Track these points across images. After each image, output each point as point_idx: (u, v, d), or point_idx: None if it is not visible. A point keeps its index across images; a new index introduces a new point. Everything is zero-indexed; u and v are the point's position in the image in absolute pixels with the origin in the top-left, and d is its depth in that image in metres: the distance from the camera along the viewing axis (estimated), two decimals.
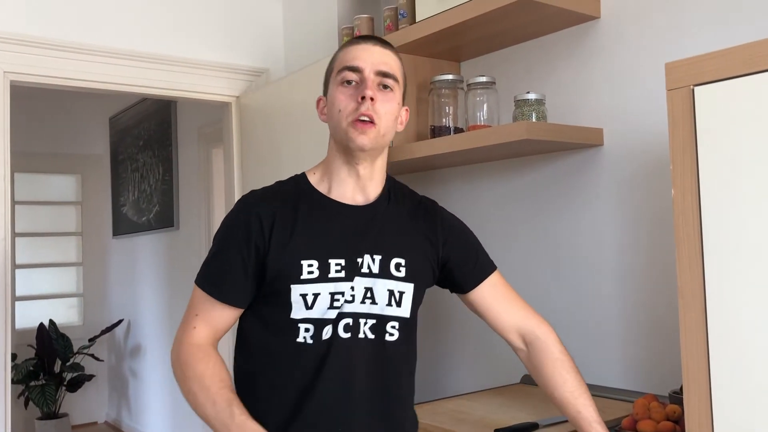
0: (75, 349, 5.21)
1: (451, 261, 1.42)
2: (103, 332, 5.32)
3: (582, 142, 1.89)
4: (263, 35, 2.92)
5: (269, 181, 1.43)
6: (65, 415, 5.13)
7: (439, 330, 2.40)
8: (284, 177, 1.41)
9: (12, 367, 4.54)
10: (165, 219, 4.70)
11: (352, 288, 1.27)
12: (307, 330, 1.25)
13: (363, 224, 1.32)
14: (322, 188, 1.35)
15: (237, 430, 1.15)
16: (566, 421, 1.58)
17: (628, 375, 1.85)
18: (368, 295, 1.28)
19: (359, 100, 1.27)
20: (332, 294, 1.25)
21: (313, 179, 1.37)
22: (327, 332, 1.25)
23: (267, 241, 1.26)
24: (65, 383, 5.13)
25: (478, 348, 2.27)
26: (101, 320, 5.70)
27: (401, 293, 1.31)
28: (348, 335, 1.26)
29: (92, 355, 5.27)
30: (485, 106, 2.05)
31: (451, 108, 2.11)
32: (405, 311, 1.32)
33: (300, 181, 1.37)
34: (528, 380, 2.06)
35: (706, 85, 1.10)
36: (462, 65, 2.36)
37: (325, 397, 1.25)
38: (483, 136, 1.88)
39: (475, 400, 1.89)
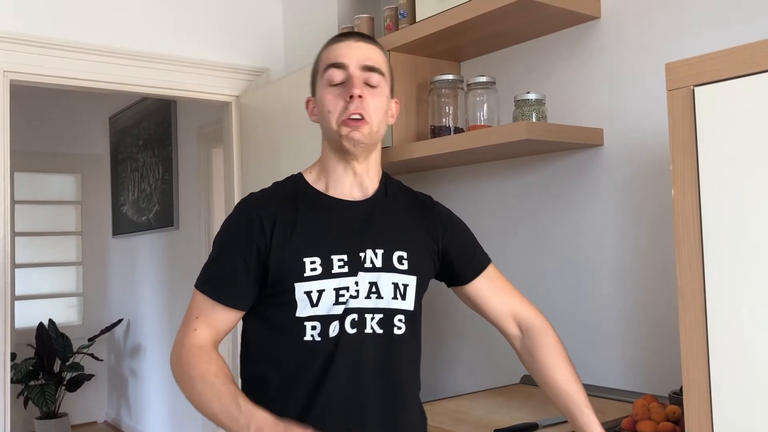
0: (74, 349, 5.21)
1: (450, 253, 1.42)
2: (103, 332, 5.32)
3: (582, 142, 1.89)
4: (263, 35, 2.92)
5: (269, 181, 1.43)
6: (65, 414, 5.13)
7: (439, 330, 2.40)
8: (284, 176, 1.41)
9: (11, 367, 4.55)
10: (165, 219, 4.70)
11: (356, 283, 1.27)
12: (314, 328, 1.25)
13: (363, 219, 1.33)
14: (319, 186, 1.35)
15: (245, 419, 1.14)
16: (566, 421, 1.58)
17: (627, 375, 1.85)
18: (373, 289, 1.28)
19: (348, 99, 1.27)
20: (337, 290, 1.26)
21: (310, 178, 1.37)
22: (334, 329, 1.25)
23: (268, 242, 1.26)
24: (65, 383, 5.13)
25: (478, 348, 2.27)
26: (101, 320, 5.70)
27: (405, 286, 1.32)
28: (354, 331, 1.26)
29: (92, 355, 5.27)
30: (485, 106, 2.05)
31: (451, 108, 2.11)
32: (409, 304, 1.33)
33: (297, 180, 1.38)
34: (528, 380, 2.06)
35: (706, 86, 1.10)
36: (462, 65, 2.36)
37: (336, 393, 1.24)
38: (483, 136, 1.88)
39: (475, 401, 1.89)
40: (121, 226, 5.46)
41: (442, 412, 1.74)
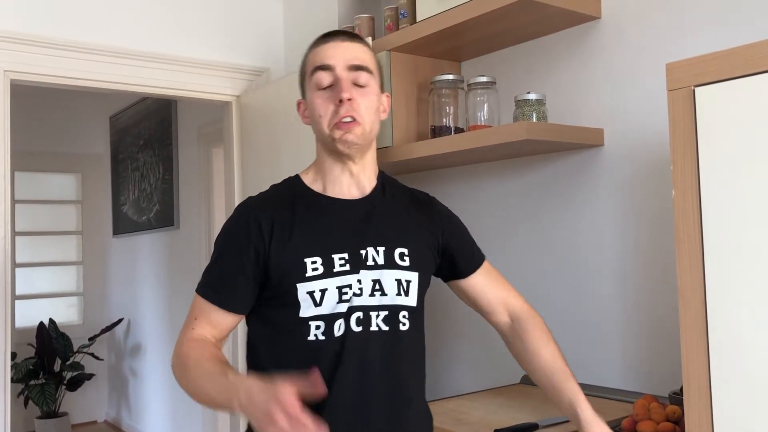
0: (75, 348, 5.21)
1: (450, 248, 1.43)
2: (103, 331, 5.32)
3: (582, 143, 1.89)
4: (264, 35, 2.92)
5: (269, 181, 1.43)
6: (65, 414, 5.14)
7: (439, 330, 2.40)
8: (285, 176, 1.42)
9: (12, 366, 4.55)
10: (165, 218, 4.70)
11: (359, 281, 1.27)
12: (318, 327, 1.25)
13: (362, 217, 1.33)
14: (316, 187, 1.35)
15: (235, 389, 1.12)
16: (566, 421, 1.58)
17: (627, 375, 1.85)
18: (377, 287, 1.28)
19: (337, 103, 1.27)
20: (339, 288, 1.26)
21: (307, 180, 1.37)
22: (339, 328, 1.25)
23: (267, 244, 1.26)
24: (65, 382, 5.13)
25: (478, 348, 2.27)
26: (101, 319, 5.70)
27: (408, 282, 1.32)
28: (360, 329, 1.26)
29: (92, 354, 5.27)
30: (486, 106, 2.05)
31: (451, 108, 2.11)
32: (413, 300, 1.33)
33: (294, 182, 1.38)
34: (528, 380, 2.06)
35: (706, 86, 1.10)
36: (462, 65, 2.36)
37: (344, 392, 1.24)
38: (483, 136, 1.88)
39: (475, 401, 1.89)
40: (122, 225, 5.47)
41: (442, 412, 1.74)
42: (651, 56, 1.80)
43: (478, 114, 2.05)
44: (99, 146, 5.87)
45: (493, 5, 1.85)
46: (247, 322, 1.34)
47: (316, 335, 1.25)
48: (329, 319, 1.25)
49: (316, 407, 1.24)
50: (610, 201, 1.90)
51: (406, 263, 1.32)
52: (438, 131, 2.11)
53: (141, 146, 5.13)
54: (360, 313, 1.26)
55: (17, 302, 5.34)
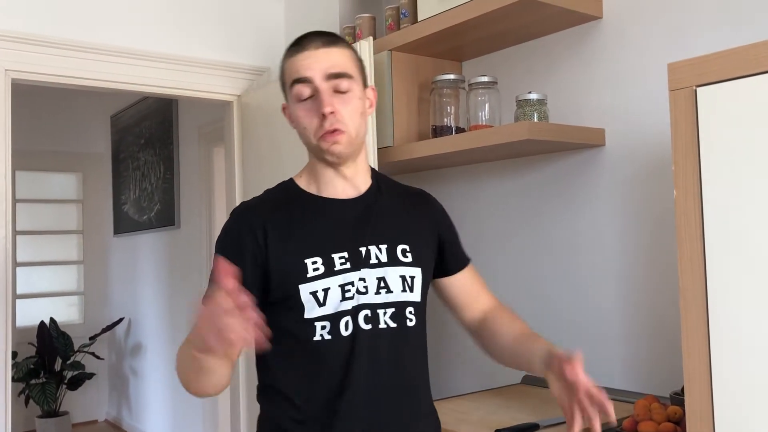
0: (75, 348, 5.21)
1: (444, 243, 1.44)
2: (104, 330, 5.32)
3: (584, 143, 1.89)
4: (265, 34, 2.92)
5: (270, 180, 1.43)
6: (66, 413, 5.14)
7: (439, 330, 2.40)
8: (286, 175, 1.42)
9: (12, 365, 4.54)
10: (166, 218, 4.70)
11: (362, 279, 1.27)
12: (323, 327, 1.25)
13: (359, 215, 1.33)
14: (311, 190, 1.35)
15: (187, 346, 1.11)
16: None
17: (629, 376, 1.85)
18: (382, 285, 1.28)
19: (320, 116, 1.26)
20: (342, 286, 1.26)
21: (301, 183, 1.37)
22: (347, 327, 1.25)
23: (264, 249, 1.26)
24: (66, 381, 5.13)
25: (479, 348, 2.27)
26: (102, 318, 5.70)
27: (412, 278, 1.32)
28: (369, 327, 1.26)
29: (93, 354, 5.27)
30: (487, 105, 2.05)
31: (452, 108, 2.11)
32: (417, 296, 1.33)
33: (288, 186, 1.38)
34: (528, 380, 2.06)
35: (708, 86, 1.10)
36: (464, 65, 2.35)
37: (357, 390, 1.24)
38: (484, 136, 1.88)
39: (476, 401, 1.89)
40: (122, 225, 5.47)
41: (443, 412, 1.74)
42: (652, 56, 1.80)
43: (480, 114, 2.05)
44: (100, 145, 5.87)
45: (494, 5, 1.85)
46: None
47: (321, 335, 1.24)
48: (334, 318, 1.25)
49: (336, 408, 1.23)
50: (612, 201, 1.90)
51: (409, 259, 1.33)
52: (439, 131, 2.11)
53: (142, 145, 5.13)
54: (368, 311, 1.26)
55: (18, 301, 5.34)
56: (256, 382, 1.37)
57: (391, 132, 2.17)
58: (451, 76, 2.11)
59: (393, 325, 1.29)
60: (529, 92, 1.90)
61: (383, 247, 1.31)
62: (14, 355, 4.65)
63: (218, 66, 2.78)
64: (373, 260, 1.29)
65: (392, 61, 2.18)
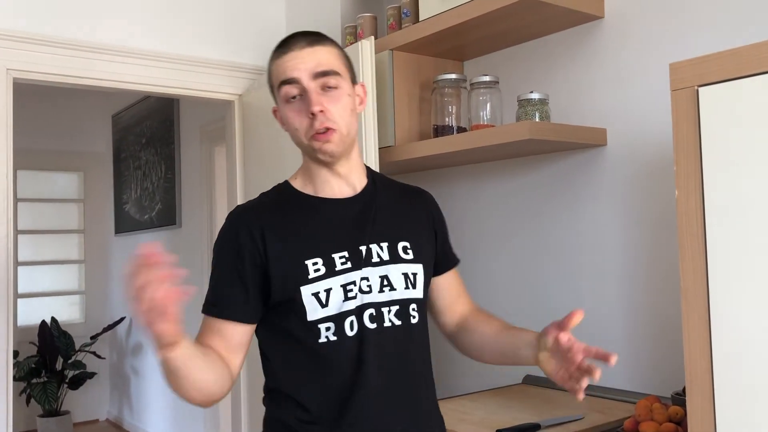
0: (77, 347, 5.21)
1: (439, 239, 1.44)
2: (105, 330, 5.32)
3: (585, 142, 1.89)
4: (266, 33, 2.92)
5: (271, 179, 1.43)
6: (67, 412, 5.14)
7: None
8: (287, 175, 1.41)
9: (14, 365, 4.54)
10: (167, 217, 4.70)
11: (365, 278, 1.26)
12: (328, 329, 1.24)
13: (358, 214, 1.33)
14: (307, 191, 1.35)
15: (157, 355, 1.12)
16: (567, 421, 1.58)
17: (630, 376, 1.85)
18: (385, 283, 1.28)
19: (310, 116, 1.26)
20: (344, 286, 1.25)
21: (297, 184, 1.36)
22: (352, 327, 1.25)
23: (262, 252, 1.25)
24: (67, 381, 5.13)
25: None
26: (103, 318, 5.71)
27: (414, 275, 1.32)
28: (374, 325, 1.26)
29: (94, 353, 5.28)
30: (488, 105, 2.04)
31: (454, 107, 2.11)
32: (419, 292, 1.33)
33: (284, 188, 1.37)
34: (529, 380, 2.06)
35: (710, 86, 1.10)
36: (465, 64, 2.35)
37: (366, 389, 1.24)
38: (486, 135, 1.88)
39: (477, 401, 1.89)
40: (124, 224, 5.47)
41: (444, 412, 1.73)
42: (654, 56, 1.79)
43: (481, 113, 2.05)
44: (101, 145, 5.87)
45: (496, 4, 1.85)
46: (257, 335, 1.32)
47: (327, 337, 1.24)
48: (338, 319, 1.24)
49: (347, 408, 1.23)
50: (613, 201, 1.89)
51: (410, 256, 1.33)
52: (440, 131, 2.11)
53: (143, 145, 5.14)
54: (372, 310, 1.26)
55: (19, 300, 5.35)
56: (257, 382, 1.37)
57: (392, 132, 2.17)
58: (453, 76, 2.11)
59: (398, 322, 1.28)
60: (531, 92, 1.89)
61: (384, 245, 1.31)
62: (15, 354, 4.66)
63: (220, 65, 2.78)
64: (375, 258, 1.29)
65: (394, 60, 2.18)
